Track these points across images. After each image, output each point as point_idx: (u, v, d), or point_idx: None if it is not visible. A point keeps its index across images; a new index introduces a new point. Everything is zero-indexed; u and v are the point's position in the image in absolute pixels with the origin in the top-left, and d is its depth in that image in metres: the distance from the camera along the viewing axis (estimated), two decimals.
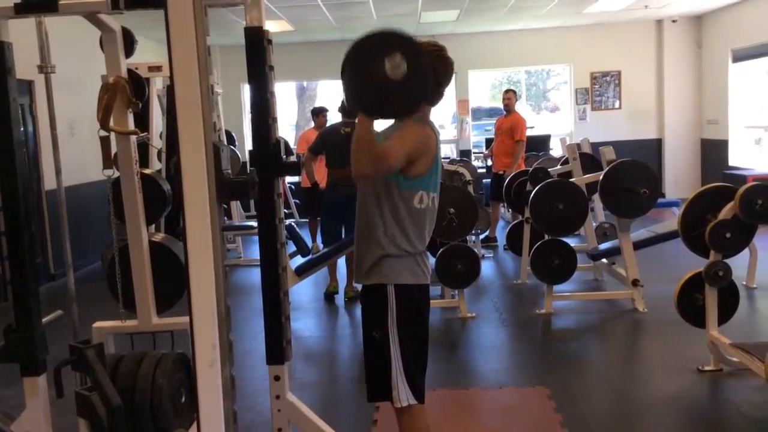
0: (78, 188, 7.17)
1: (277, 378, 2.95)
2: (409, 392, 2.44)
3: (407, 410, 2.47)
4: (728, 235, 3.80)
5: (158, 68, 7.21)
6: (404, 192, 2.39)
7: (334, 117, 6.95)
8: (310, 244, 7.49)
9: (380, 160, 2.23)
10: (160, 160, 7.74)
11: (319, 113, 8.17)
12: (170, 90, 8.62)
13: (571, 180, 5.83)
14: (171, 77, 1.83)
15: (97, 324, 3.29)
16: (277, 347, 2.93)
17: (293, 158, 3.47)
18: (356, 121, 2.24)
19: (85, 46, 7.63)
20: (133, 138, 3.18)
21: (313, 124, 8.25)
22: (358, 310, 5.58)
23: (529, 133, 8.38)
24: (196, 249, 1.91)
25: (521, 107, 8.59)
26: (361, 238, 2.50)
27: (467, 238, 5.63)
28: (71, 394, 2.81)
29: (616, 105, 11.88)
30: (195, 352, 1.93)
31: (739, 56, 10.31)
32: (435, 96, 2.52)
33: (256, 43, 2.75)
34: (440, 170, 2.57)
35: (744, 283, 5.64)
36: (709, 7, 10.54)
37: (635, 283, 5.34)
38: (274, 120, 2.82)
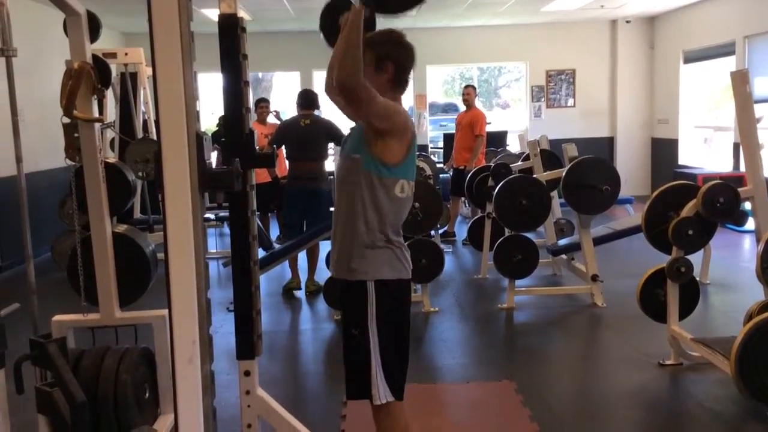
0: (26, 177, 6.93)
1: (247, 373, 2.89)
2: (387, 389, 2.41)
3: (384, 407, 2.43)
4: (690, 232, 3.87)
5: (113, 55, 7.07)
6: (386, 180, 2.34)
7: (292, 110, 6.82)
8: None
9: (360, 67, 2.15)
10: (113, 149, 7.57)
11: (257, 103, 7.97)
12: (123, 78, 8.31)
13: (534, 176, 5.88)
14: (153, 64, 1.77)
15: (57, 317, 3.17)
16: (248, 342, 2.88)
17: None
18: (346, 16, 2.14)
19: (33, 31, 7.40)
20: (98, 126, 3.08)
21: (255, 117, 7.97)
22: (319, 304, 5.53)
23: (487, 129, 8.44)
24: (176, 241, 1.84)
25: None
26: (341, 232, 2.44)
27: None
28: (31, 389, 2.71)
29: (570, 103, 12.06)
30: (174, 347, 1.86)
31: (690, 58, 10.57)
32: (403, 83, 2.48)
33: (230, 30, 2.68)
34: (415, 159, 2.53)
35: (698, 279, 5.76)
36: (662, 9, 10.77)
37: (594, 278, 5.41)
38: (248, 110, 2.76)
